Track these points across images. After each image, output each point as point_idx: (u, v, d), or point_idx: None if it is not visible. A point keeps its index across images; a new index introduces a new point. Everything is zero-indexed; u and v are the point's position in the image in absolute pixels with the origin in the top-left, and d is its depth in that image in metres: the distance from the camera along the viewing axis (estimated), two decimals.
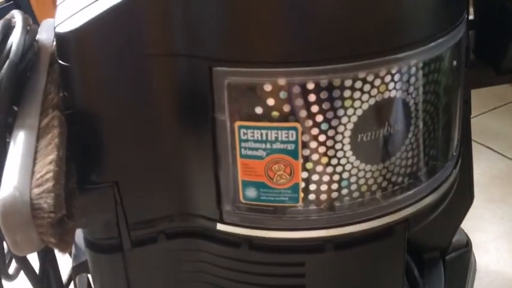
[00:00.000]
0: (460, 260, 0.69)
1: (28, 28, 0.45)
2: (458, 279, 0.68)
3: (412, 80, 0.40)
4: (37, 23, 0.48)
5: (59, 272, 0.51)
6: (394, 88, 0.40)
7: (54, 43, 0.46)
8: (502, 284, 0.80)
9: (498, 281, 0.80)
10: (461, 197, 0.62)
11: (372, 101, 0.39)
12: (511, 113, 1.24)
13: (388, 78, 0.39)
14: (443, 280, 0.64)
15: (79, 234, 0.50)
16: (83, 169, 0.42)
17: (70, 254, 0.54)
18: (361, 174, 0.42)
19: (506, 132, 1.18)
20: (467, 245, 0.71)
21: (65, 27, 0.38)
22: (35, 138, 0.37)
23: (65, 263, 0.55)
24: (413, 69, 0.40)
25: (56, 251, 0.45)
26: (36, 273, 0.44)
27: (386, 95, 0.40)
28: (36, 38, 0.47)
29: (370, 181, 0.42)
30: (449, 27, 0.42)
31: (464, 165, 0.56)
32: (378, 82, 0.39)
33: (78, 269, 0.51)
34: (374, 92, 0.39)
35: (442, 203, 0.50)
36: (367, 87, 0.38)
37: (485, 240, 0.89)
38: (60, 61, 0.40)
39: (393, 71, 0.39)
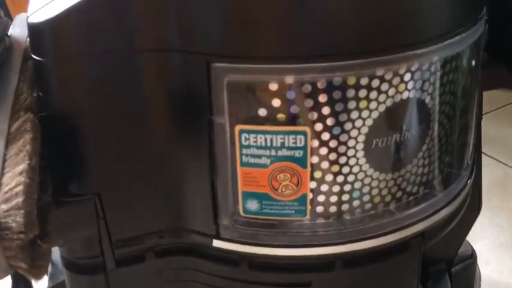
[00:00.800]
0: (465, 273, 0.66)
1: None
2: None
3: (432, 79, 0.37)
4: (10, 19, 0.44)
5: None
6: (414, 88, 0.36)
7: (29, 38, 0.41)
8: None
9: None
10: (470, 206, 0.59)
11: (389, 102, 0.35)
12: (505, 118, 1.22)
13: (407, 76, 0.35)
14: None
15: (56, 251, 0.45)
16: (59, 179, 0.37)
17: (46, 273, 0.50)
18: (374, 183, 0.38)
19: (501, 138, 1.16)
20: (472, 256, 0.68)
21: (39, 17, 0.34)
22: (3, 144, 0.32)
23: (40, 283, 0.50)
24: (434, 67, 0.36)
25: None
26: None
27: (405, 95, 0.36)
28: (9, 33, 0.42)
29: (384, 191, 0.39)
30: (470, 23, 0.38)
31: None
32: (396, 81, 0.35)
33: None
34: (392, 91, 0.35)
35: (457, 216, 0.47)
36: (384, 86, 0.34)
37: (485, 250, 0.86)
38: (33, 56, 0.35)
39: (413, 69, 0.35)
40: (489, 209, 0.95)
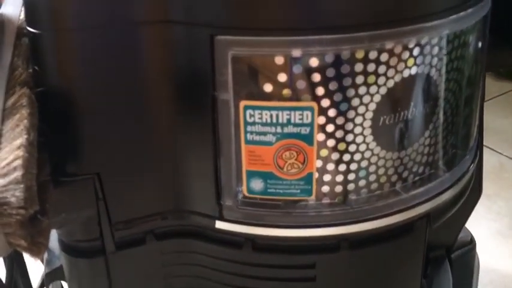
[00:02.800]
0: (465, 258, 0.65)
1: None
2: (465, 279, 0.64)
3: (441, 54, 0.36)
4: None
5: (28, 280, 0.45)
6: (423, 63, 0.35)
7: (22, 16, 0.40)
8: (503, 282, 0.77)
9: (499, 279, 0.77)
10: (472, 189, 0.58)
11: (398, 78, 0.34)
12: (499, 108, 1.23)
13: (416, 50, 0.34)
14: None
15: (52, 236, 0.44)
16: (57, 158, 0.36)
17: (42, 260, 0.48)
18: (381, 162, 0.37)
19: (495, 127, 1.16)
20: (472, 242, 0.67)
21: None
22: None
23: (35, 269, 0.49)
24: (443, 41, 0.35)
25: (26, 256, 0.39)
26: (1, 282, 0.37)
27: (414, 70, 0.35)
28: (0, 12, 0.41)
29: (390, 171, 0.38)
30: None
31: None
32: (405, 55, 0.34)
33: (51, 276, 0.46)
34: (401, 66, 0.34)
35: (461, 199, 0.47)
36: (393, 60, 0.34)
37: (483, 237, 0.86)
38: (29, 28, 0.33)
39: (422, 42, 0.34)
40: (487, 197, 0.95)
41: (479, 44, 0.41)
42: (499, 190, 0.97)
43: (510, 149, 1.08)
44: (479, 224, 0.90)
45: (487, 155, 1.09)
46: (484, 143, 1.17)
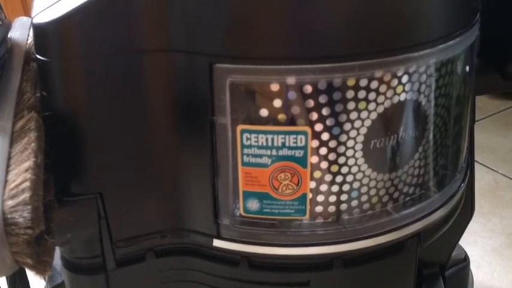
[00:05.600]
0: (459, 276, 0.66)
1: (0, 22, 0.41)
2: None
3: (429, 81, 0.37)
4: None
5: None
6: (411, 89, 0.36)
7: (30, 40, 0.42)
8: None
9: None
10: (462, 209, 0.60)
11: (388, 104, 0.36)
12: (494, 125, 1.24)
13: (405, 78, 0.36)
14: None
15: (55, 254, 0.45)
16: (62, 179, 0.37)
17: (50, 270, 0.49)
18: (372, 184, 0.38)
19: (491, 145, 1.17)
20: (466, 259, 0.68)
21: (45, 17, 0.34)
22: (8, 142, 0.32)
23: (37, 285, 0.50)
24: (430, 70, 0.37)
25: (28, 272, 0.40)
26: None
27: (403, 97, 0.36)
28: (9, 36, 0.42)
29: (382, 191, 0.39)
30: (465, 28, 0.39)
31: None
32: (394, 82, 0.35)
33: None
34: (390, 93, 0.36)
35: (451, 218, 0.48)
36: (383, 87, 0.35)
37: (477, 254, 0.87)
38: (38, 56, 0.35)
39: (410, 71, 0.36)
40: (482, 214, 0.96)
41: (467, 69, 0.42)
42: (494, 208, 0.98)
43: (505, 167, 1.10)
44: (474, 242, 0.90)
45: (482, 172, 1.10)
46: (480, 161, 1.19)
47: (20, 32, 0.44)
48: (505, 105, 1.32)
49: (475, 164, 1.14)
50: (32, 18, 0.35)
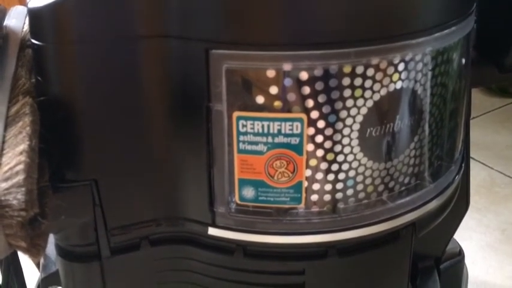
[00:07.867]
0: (453, 270, 0.66)
1: None
2: None
3: (425, 70, 0.37)
4: None
5: (25, 285, 0.46)
6: (407, 78, 0.36)
7: (25, 29, 0.41)
8: None
9: None
10: (458, 202, 0.60)
11: (384, 91, 0.36)
12: (490, 123, 1.25)
13: (401, 66, 0.36)
14: None
15: (49, 242, 0.45)
16: (57, 165, 0.37)
17: (38, 265, 0.49)
18: (368, 172, 0.38)
19: (486, 142, 1.18)
20: (460, 253, 0.69)
21: (40, 1, 0.34)
22: (2, 126, 0.32)
23: (31, 274, 0.50)
24: (427, 58, 0.37)
25: (22, 260, 0.40)
26: None
27: (399, 85, 0.36)
28: (4, 24, 0.42)
29: (377, 181, 0.39)
30: (461, 17, 0.39)
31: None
32: (390, 70, 0.35)
33: (47, 281, 0.46)
34: (386, 81, 0.36)
35: (446, 209, 0.48)
36: (379, 75, 0.35)
37: (472, 250, 0.87)
38: (33, 40, 0.35)
39: (407, 58, 0.36)
40: (477, 210, 0.97)
41: (463, 60, 0.43)
42: (489, 204, 0.98)
43: (501, 164, 1.10)
44: (469, 237, 0.91)
45: (478, 169, 1.11)
46: (476, 158, 1.20)
47: (16, 19, 0.44)
48: (500, 102, 1.33)
49: (471, 160, 1.14)
50: (27, 3, 0.35)
